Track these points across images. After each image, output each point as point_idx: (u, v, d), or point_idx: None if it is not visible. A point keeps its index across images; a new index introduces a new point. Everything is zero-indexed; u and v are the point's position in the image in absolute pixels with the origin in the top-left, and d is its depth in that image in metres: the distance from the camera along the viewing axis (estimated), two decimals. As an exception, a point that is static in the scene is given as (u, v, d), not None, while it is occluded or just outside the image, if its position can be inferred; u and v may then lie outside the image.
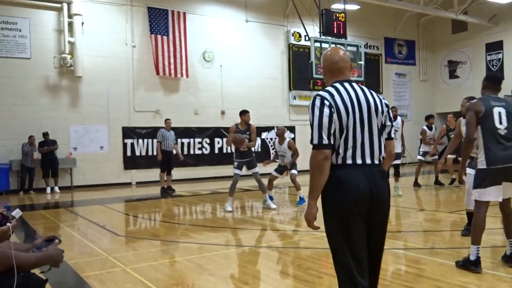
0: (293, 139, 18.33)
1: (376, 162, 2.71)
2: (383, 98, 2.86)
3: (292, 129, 18.35)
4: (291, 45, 18.42)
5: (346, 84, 2.77)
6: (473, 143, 4.52)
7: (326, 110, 2.64)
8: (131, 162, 15.24)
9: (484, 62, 20.81)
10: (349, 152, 2.65)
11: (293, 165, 9.85)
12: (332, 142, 2.65)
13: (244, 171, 9.48)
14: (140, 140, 15.37)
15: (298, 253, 5.45)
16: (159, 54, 15.49)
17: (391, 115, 2.85)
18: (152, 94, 15.69)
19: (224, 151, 16.86)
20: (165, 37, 15.54)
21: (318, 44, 18.14)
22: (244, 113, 9.18)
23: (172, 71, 15.71)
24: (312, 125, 2.67)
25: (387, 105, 2.81)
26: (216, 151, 16.74)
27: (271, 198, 9.63)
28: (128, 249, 5.92)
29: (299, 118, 18.68)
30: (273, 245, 5.90)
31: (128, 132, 15.26)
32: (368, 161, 2.67)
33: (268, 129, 17.87)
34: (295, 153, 9.68)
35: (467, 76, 21.50)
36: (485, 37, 20.60)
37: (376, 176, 2.66)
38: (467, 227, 6.07)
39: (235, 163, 9.30)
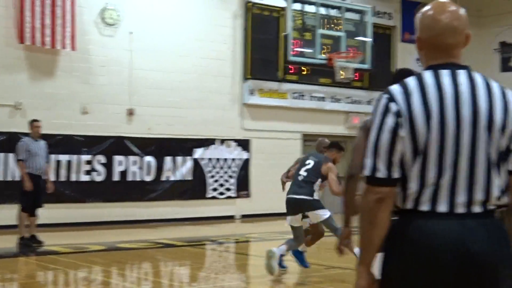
0: (247, 161, 18.53)
1: (478, 210, 2.61)
2: None
3: (245, 143, 18.53)
4: (250, 4, 18.66)
5: (445, 74, 2.67)
6: None
7: (390, 121, 2.61)
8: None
9: (559, 47, 21.79)
10: (428, 191, 2.59)
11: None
12: (396, 175, 2.62)
13: None
14: (-15, 155, 15.12)
15: None
16: (26, 9, 15.28)
17: None
18: (9, 76, 15.48)
19: (131, 177, 16.84)
20: (36, -19, 15.46)
21: (298, 6, 18.53)
22: (336, 149, 9.32)
23: (48, 39, 15.55)
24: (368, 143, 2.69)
25: None
26: (117, 177, 16.65)
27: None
28: None
29: (259, 127, 18.86)
30: None
31: (-36, 140, 15.00)
32: (461, 209, 2.58)
33: (206, 143, 17.95)
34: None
35: (532, 69, 22.40)
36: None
37: (477, 235, 2.56)
38: None
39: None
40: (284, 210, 20.49)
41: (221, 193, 18.07)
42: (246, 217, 18.20)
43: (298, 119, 19.45)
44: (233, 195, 18.30)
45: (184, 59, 17.61)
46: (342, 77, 18.29)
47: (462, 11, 2.75)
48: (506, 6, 22.80)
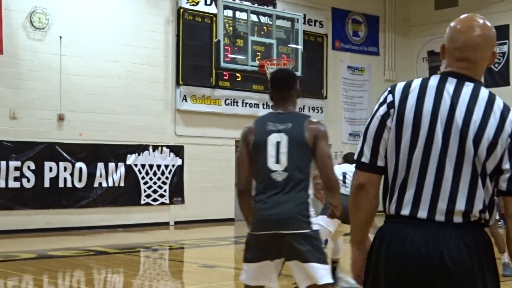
0: (181, 167, 18.51)
1: (459, 220, 2.61)
2: None
3: (179, 150, 18.53)
4: (182, 10, 18.71)
5: (451, 81, 2.70)
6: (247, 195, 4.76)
7: (382, 110, 2.72)
8: None
9: (481, 56, 22.58)
10: (409, 195, 2.65)
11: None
12: (380, 163, 2.71)
13: None
14: None
15: None
16: (-49, 11, 15.04)
17: None
18: None
19: (62, 183, 16.61)
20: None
21: (229, 12, 18.61)
22: None
23: (-26, 42, 15.31)
24: None
25: None
26: (47, 183, 16.43)
27: None
28: None
29: (192, 133, 18.88)
30: None
31: None
32: (441, 217, 2.60)
33: (139, 149, 17.86)
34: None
35: (457, 77, 23.17)
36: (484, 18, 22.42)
37: (454, 246, 2.57)
38: None
39: None
40: (218, 216, 20.38)
41: (155, 200, 17.99)
42: (180, 224, 18.18)
43: (231, 125, 19.51)
44: (166, 201, 18.25)
45: (116, 64, 17.55)
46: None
47: (490, 29, 2.74)
48: (434, 16, 23.51)
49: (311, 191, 4.59)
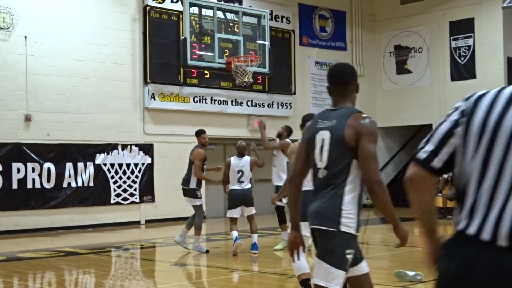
0: (150, 166, 18.46)
1: None
2: None
3: (148, 148, 18.51)
4: (148, 8, 18.68)
5: None
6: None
7: (454, 116, 2.67)
8: None
9: (447, 49, 22.80)
10: (479, 213, 2.52)
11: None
12: (437, 165, 2.67)
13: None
14: None
15: None
16: None
17: None
18: None
19: (30, 184, 16.49)
20: None
21: (195, 10, 18.61)
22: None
23: None
24: None
25: None
26: (15, 185, 16.31)
27: None
28: None
29: (162, 131, 18.86)
30: None
31: None
32: (504, 241, 2.42)
33: (108, 148, 17.81)
34: None
35: (423, 71, 23.40)
36: (449, 12, 22.62)
37: None
38: None
39: None
40: (189, 214, 20.44)
41: (125, 199, 17.99)
42: (151, 222, 18.19)
43: (200, 122, 19.44)
44: (137, 200, 18.26)
45: (83, 63, 17.49)
46: (246, 79, 18.45)
47: None
48: (400, 11, 23.76)
49: (352, 190, 4.54)
